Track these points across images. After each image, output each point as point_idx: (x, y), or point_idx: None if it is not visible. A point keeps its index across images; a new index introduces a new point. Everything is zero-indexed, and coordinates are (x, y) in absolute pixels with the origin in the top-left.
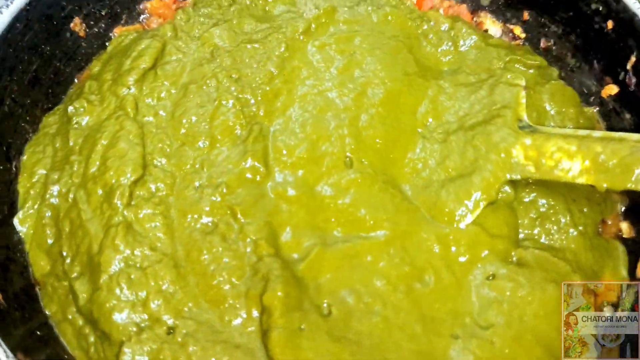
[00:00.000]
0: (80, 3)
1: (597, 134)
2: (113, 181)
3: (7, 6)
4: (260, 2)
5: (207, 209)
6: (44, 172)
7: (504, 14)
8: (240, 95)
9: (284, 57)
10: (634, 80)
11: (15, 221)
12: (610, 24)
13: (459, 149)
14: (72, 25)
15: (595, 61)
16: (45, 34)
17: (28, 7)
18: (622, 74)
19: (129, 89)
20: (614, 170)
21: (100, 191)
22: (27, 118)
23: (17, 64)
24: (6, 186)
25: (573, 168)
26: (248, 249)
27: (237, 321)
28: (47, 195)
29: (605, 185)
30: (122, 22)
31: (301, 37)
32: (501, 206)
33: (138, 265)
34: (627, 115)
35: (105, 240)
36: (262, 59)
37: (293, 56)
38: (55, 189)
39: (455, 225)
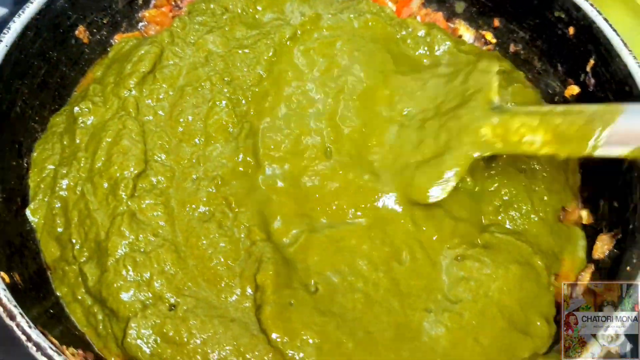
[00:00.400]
0: (84, 12)
1: (559, 108)
2: (117, 175)
3: (19, 15)
4: (251, 10)
5: (204, 199)
6: (53, 167)
7: (477, 21)
8: (232, 96)
9: (272, 61)
10: (592, 81)
11: (27, 212)
12: (571, 30)
13: (434, 133)
14: (77, 32)
15: (559, 64)
16: (52, 41)
17: (38, 16)
18: (583, 75)
19: (130, 91)
20: (572, 139)
21: (105, 184)
22: (37, 118)
23: (28, 69)
24: (19, 180)
25: (536, 141)
26: (242, 235)
27: (233, 298)
28: (57, 188)
29: (564, 154)
30: (122, 29)
31: (288, 43)
32: (462, 193)
33: (142, 249)
34: None
35: (111, 228)
36: (251, 63)
37: (280, 60)
38: (64, 182)
39: (429, 201)
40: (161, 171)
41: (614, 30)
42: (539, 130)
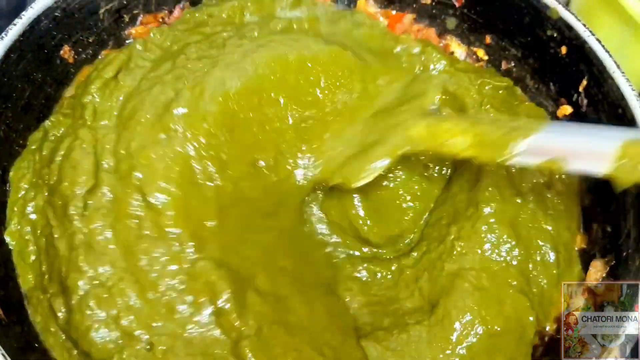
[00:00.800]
0: (69, 32)
1: (488, 117)
2: (68, 192)
3: (2, 38)
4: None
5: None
6: (27, 186)
7: (468, 37)
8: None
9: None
10: (585, 101)
11: (6, 236)
12: (564, 50)
13: (376, 128)
14: (61, 52)
15: (551, 83)
16: (37, 62)
17: (21, 38)
18: (575, 95)
19: (93, 96)
20: (493, 145)
21: (60, 202)
22: (20, 142)
23: (12, 92)
24: (3, 207)
25: (458, 143)
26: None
27: (201, 330)
28: (27, 211)
29: (483, 158)
30: (109, 47)
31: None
32: None
33: (104, 284)
34: None
35: (70, 264)
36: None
37: None
38: (32, 204)
39: (351, 186)
40: (107, 182)
41: (607, 52)
42: (463, 134)
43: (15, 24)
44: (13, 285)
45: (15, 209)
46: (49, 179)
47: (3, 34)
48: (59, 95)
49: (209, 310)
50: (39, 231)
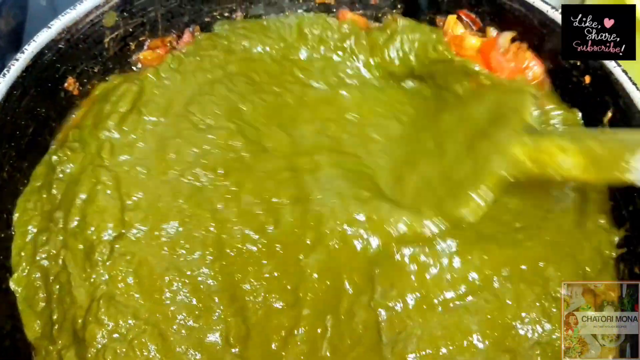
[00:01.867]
0: (73, 63)
1: (593, 131)
2: (94, 237)
3: (4, 75)
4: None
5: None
6: (35, 230)
7: None
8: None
9: None
10: None
11: (11, 283)
12: (587, 79)
13: (459, 157)
14: (66, 84)
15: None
16: (40, 96)
17: (24, 74)
18: (600, 127)
19: (111, 132)
20: (606, 162)
21: (81, 246)
22: (25, 181)
23: (15, 129)
24: (6, 251)
25: (567, 162)
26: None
27: None
28: (37, 257)
29: (598, 178)
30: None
31: None
32: None
33: (124, 337)
34: None
35: (88, 315)
36: None
37: None
38: (43, 249)
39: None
40: (137, 222)
41: (634, 84)
42: (571, 151)
43: (17, 59)
44: (20, 337)
45: (23, 254)
46: (65, 224)
47: (5, 71)
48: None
49: None
50: (51, 278)
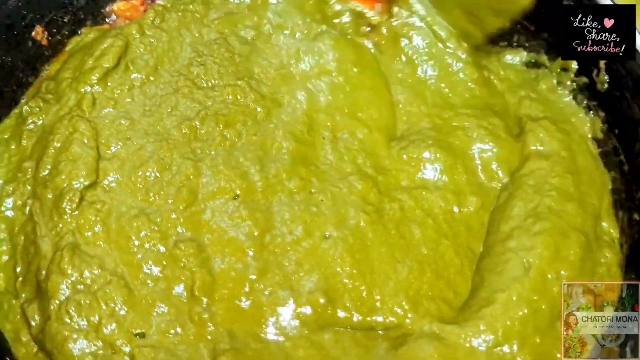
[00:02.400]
0: (41, 11)
1: None
2: (65, 185)
3: None
4: None
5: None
6: (1, 181)
7: None
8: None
9: None
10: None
11: None
12: None
13: None
14: (33, 34)
15: None
16: (6, 44)
17: None
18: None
19: (92, 87)
20: None
21: (50, 195)
22: None
23: None
24: None
25: None
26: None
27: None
28: (3, 208)
29: None
30: (88, 26)
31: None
32: None
33: (88, 289)
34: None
35: (52, 265)
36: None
37: None
38: (9, 201)
39: None
40: (112, 171)
41: None
42: None
43: None
44: None
45: None
46: (35, 173)
47: None
48: (32, 81)
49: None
50: (16, 229)
